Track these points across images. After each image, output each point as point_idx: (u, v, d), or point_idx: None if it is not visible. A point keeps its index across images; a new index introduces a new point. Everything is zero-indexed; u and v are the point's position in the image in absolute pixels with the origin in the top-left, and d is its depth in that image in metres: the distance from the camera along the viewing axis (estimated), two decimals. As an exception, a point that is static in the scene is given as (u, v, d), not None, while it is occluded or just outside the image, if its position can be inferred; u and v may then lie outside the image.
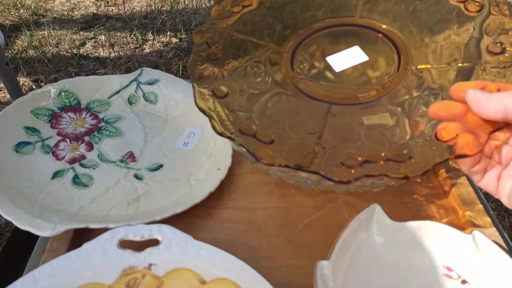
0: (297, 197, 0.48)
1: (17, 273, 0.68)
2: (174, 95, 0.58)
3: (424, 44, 0.45)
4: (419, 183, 0.50)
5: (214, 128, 0.39)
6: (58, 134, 0.51)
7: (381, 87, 0.45)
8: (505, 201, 0.32)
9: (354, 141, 0.41)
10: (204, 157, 0.51)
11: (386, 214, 0.41)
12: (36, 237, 0.73)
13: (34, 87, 1.27)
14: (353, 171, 0.35)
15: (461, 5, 0.44)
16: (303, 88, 0.46)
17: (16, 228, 0.71)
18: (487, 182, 0.33)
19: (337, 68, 0.47)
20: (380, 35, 0.48)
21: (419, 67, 0.44)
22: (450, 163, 0.50)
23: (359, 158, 0.37)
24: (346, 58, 0.47)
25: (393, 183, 0.43)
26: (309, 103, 0.46)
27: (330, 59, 0.48)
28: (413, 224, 0.40)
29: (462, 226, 0.44)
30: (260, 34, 0.50)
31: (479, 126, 0.30)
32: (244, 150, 0.44)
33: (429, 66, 0.44)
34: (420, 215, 0.46)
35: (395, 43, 0.47)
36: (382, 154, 0.38)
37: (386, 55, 0.46)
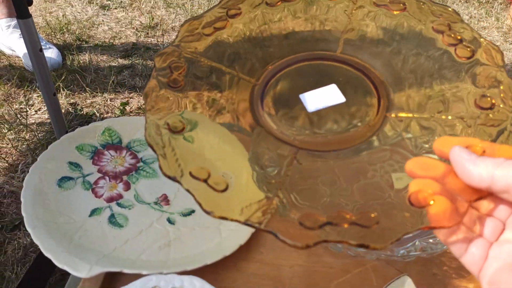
0: (324, 257, 0.48)
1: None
2: (211, 139, 0.60)
3: (407, 88, 0.41)
4: (449, 254, 0.49)
5: (161, 168, 0.33)
6: (99, 171, 0.54)
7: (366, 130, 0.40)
8: (484, 286, 0.27)
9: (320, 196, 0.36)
10: (235, 206, 0.52)
11: (416, 287, 0.40)
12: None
13: (70, 110, 1.32)
14: (311, 233, 0.31)
15: (451, 49, 0.40)
16: (269, 127, 0.41)
17: (40, 253, 0.73)
18: (471, 260, 0.28)
19: (310, 108, 0.41)
20: (361, 74, 0.43)
21: (399, 115, 0.40)
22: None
23: (320, 219, 0.32)
24: (321, 97, 0.42)
25: (424, 255, 0.43)
26: (273, 146, 0.41)
27: (304, 96, 0.42)
28: (444, 302, 0.40)
29: (493, 306, 0.43)
30: (229, 62, 0.44)
31: (461, 191, 0.27)
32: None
33: (410, 115, 0.40)
34: (448, 287, 0.45)
35: (376, 85, 0.42)
36: (347, 216, 0.33)
37: (364, 97, 0.42)
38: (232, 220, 0.31)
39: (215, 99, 0.44)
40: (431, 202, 0.27)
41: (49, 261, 0.74)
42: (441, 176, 0.28)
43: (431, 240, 0.44)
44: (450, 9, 0.42)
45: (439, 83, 0.39)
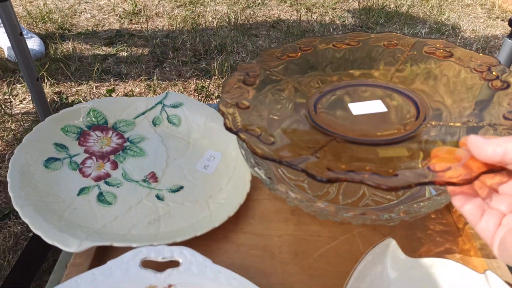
0: (312, 226, 0.49)
1: (30, 281, 0.69)
2: (197, 118, 0.61)
3: (443, 105, 0.49)
4: (433, 218, 0.50)
5: (224, 124, 0.42)
6: (85, 151, 0.54)
7: (403, 128, 0.47)
8: (495, 250, 0.30)
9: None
10: (224, 181, 0.53)
11: (400, 249, 0.42)
12: (50, 248, 0.75)
13: (56, 99, 1.31)
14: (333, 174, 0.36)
15: (488, 83, 0.48)
16: (319, 120, 0.49)
17: (32, 237, 0.73)
18: (484, 228, 0.31)
19: (355, 112, 0.50)
20: (405, 97, 0.52)
21: (433, 123, 0.47)
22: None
23: (343, 166, 0.38)
24: (366, 107, 0.50)
25: (408, 218, 0.44)
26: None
27: (352, 105, 0.51)
28: (427, 261, 0.41)
29: (475, 264, 0.44)
30: (291, 75, 0.56)
31: (476, 167, 0.30)
32: (262, 175, 0.46)
33: (441, 123, 0.46)
34: (434, 250, 0.46)
35: (416, 103, 0.50)
36: (367, 168, 0.38)
37: (405, 110, 0.49)
38: (271, 159, 0.37)
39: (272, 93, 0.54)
40: (448, 168, 0.32)
41: (40, 247, 0.74)
42: (462, 159, 0.32)
43: (415, 206, 0.45)
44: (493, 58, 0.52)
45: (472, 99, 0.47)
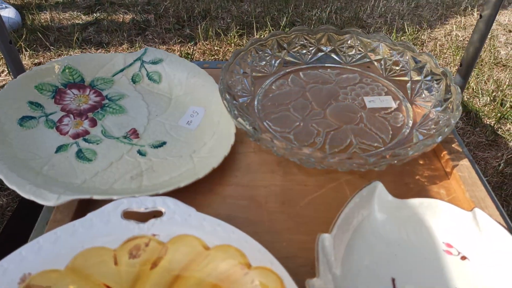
0: (299, 175, 0.48)
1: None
2: (178, 74, 0.58)
3: None
4: (421, 164, 0.50)
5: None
6: (62, 109, 0.51)
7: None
8: None
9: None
10: (207, 136, 0.51)
11: (387, 191, 0.41)
12: (38, 215, 0.73)
13: (36, 70, 1.26)
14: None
15: None
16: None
17: (18, 206, 0.72)
18: None
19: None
20: None
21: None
22: (453, 145, 0.50)
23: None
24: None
25: (395, 162, 0.43)
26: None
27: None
28: (415, 201, 0.40)
29: (463, 206, 0.44)
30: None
31: None
32: (246, 125, 0.45)
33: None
34: (422, 195, 0.46)
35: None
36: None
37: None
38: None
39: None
40: None
41: (27, 216, 0.73)
42: None
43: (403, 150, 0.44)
44: None
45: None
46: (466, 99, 1.15)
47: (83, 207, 0.43)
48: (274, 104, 0.56)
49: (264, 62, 0.62)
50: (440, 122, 0.49)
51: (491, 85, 1.20)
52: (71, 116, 0.51)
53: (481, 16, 0.62)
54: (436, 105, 0.52)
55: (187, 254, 0.33)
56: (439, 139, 0.44)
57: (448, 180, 0.48)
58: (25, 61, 1.28)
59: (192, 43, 1.39)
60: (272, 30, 1.43)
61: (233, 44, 1.37)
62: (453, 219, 0.39)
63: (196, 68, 0.59)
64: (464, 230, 0.39)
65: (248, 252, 0.34)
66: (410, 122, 0.53)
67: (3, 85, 1.18)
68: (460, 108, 0.47)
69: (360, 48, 0.63)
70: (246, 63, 0.59)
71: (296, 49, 0.64)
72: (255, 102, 0.56)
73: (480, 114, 1.10)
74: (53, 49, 1.33)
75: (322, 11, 1.54)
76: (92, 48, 1.36)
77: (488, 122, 1.08)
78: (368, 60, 0.63)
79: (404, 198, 0.45)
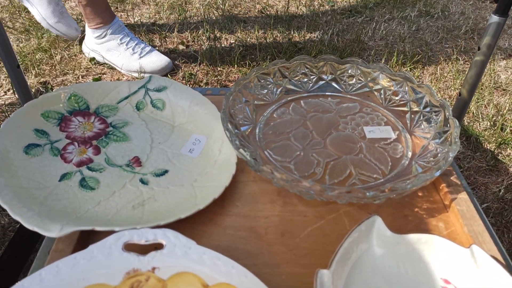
0: (299, 206, 0.49)
1: (19, 272, 0.68)
2: (181, 102, 0.60)
3: None
4: (420, 197, 0.50)
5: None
6: (67, 137, 0.52)
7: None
8: None
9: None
10: (209, 164, 0.52)
11: (386, 226, 0.41)
12: (38, 238, 0.74)
13: (41, 89, 1.28)
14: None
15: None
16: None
17: (20, 228, 0.72)
18: None
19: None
20: None
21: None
22: (451, 178, 0.51)
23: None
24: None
25: (394, 196, 0.44)
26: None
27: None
28: (413, 237, 0.41)
29: (462, 240, 0.44)
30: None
31: None
32: (247, 156, 0.45)
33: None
34: (420, 228, 0.46)
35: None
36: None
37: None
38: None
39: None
40: None
41: (28, 237, 0.73)
42: None
43: (401, 183, 0.45)
44: None
45: None
46: (466, 123, 1.16)
47: (85, 237, 0.43)
48: (275, 132, 0.57)
49: (266, 90, 0.63)
50: (439, 155, 0.49)
51: (491, 110, 1.21)
52: (76, 143, 0.52)
53: (479, 48, 0.63)
54: (435, 137, 0.53)
55: (186, 291, 0.33)
56: (438, 173, 0.44)
57: (447, 213, 0.48)
58: (31, 79, 1.30)
59: (195, 64, 1.42)
60: (274, 51, 1.45)
61: (236, 65, 1.39)
62: (451, 255, 0.39)
63: (199, 96, 0.60)
64: (462, 267, 0.39)
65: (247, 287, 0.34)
66: (409, 154, 0.54)
67: (9, 103, 1.20)
68: (458, 142, 0.48)
69: (360, 77, 0.64)
70: (248, 91, 0.60)
71: (297, 77, 0.65)
72: (257, 130, 0.57)
73: (481, 138, 1.11)
74: (59, 68, 1.35)
75: (324, 33, 1.57)
76: (98, 67, 1.38)
77: (488, 147, 1.08)
78: (368, 89, 0.64)
79: (402, 231, 0.46)
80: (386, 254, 0.41)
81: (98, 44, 1.38)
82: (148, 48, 1.36)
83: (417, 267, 0.40)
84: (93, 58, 1.41)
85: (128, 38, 1.36)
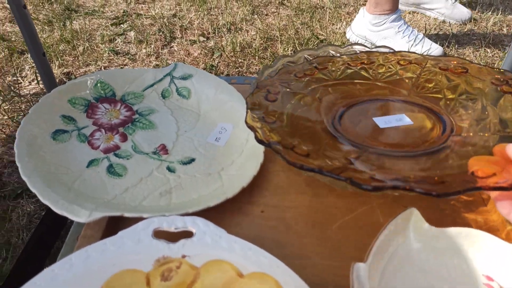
0: (329, 197, 0.47)
1: (45, 259, 0.69)
2: (207, 90, 0.58)
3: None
4: (456, 189, 0.48)
5: (256, 138, 0.42)
6: (94, 124, 0.52)
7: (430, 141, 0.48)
8: None
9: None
10: (236, 153, 0.51)
11: (423, 219, 0.39)
12: (63, 225, 0.74)
13: (64, 79, 1.29)
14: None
15: (508, 95, 0.50)
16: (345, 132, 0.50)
17: (45, 215, 0.73)
18: None
19: (382, 126, 0.52)
20: (427, 111, 0.54)
21: (464, 134, 0.48)
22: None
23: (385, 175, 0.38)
24: (391, 120, 0.52)
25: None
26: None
27: (377, 119, 0.52)
28: (452, 231, 0.39)
29: (502, 236, 0.42)
30: (314, 93, 0.57)
31: None
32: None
33: (470, 134, 0.48)
34: (457, 222, 0.44)
35: (439, 114, 0.53)
36: (412, 176, 0.39)
37: (428, 123, 0.52)
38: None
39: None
40: (492, 174, 0.33)
41: (54, 224, 0.74)
42: (501, 165, 0.34)
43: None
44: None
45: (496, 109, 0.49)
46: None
47: (114, 223, 0.43)
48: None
49: (292, 78, 0.62)
50: (477, 143, 0.47)
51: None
52: (103, 130, 0.52)
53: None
54: (472, 124, 0.51)
55: (220, 280, 0.32)
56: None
57: (485, 207, 0.46)
58: (55, 70, 1.31)
59: (217, 55, 1.41)
60: (296, 43, 1.43)
61: (257, 57, 1.38)
62: (493, 251, 0.37)
63: (225, 84, 0.59)
64: (506, 263, 0.37)
65: (281, 279, 0.33)
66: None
67: (34, 93, 1.22)
68: (498, 127, 0.45)
69: (390, 66, 0.62)
70: (274, 80, 0.59)
71: (324, 65, 0.63)
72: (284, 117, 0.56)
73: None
74: (81, 59, 1.36)
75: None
76: (120, 59, 1.38)
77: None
78: (398, 77, 0.61)
79: (439, 225, 0.44)
80: (423, 247, 0.39)
81: (374, 32, 1.28)
82: (421, 35, 1.28)
83: (457, 262, 0.38)
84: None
85: (405, 26, 1.26)
